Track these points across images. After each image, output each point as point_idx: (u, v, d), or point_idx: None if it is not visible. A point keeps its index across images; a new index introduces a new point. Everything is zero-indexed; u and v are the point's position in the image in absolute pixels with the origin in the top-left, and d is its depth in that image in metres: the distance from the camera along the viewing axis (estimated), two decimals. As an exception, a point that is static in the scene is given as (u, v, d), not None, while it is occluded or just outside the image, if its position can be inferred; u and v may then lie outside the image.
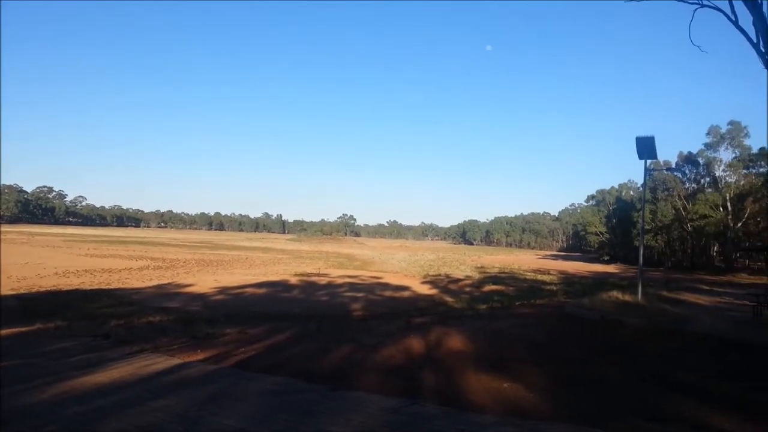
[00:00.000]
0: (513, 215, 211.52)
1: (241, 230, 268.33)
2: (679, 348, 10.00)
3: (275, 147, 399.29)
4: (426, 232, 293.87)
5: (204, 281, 30.15)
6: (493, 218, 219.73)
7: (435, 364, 8.31)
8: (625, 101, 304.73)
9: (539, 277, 43.89)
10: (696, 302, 19.91)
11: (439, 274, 42.91)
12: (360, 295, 26.12)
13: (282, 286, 29.76)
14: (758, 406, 6.21)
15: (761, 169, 58.13)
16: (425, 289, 30.05)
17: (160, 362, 8.40)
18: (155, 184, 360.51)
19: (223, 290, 26.03)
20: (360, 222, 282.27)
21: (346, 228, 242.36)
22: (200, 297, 23.05)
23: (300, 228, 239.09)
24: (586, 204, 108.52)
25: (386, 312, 18.32)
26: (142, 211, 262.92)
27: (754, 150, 58.65)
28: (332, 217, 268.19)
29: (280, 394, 6.57)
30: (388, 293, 27.50)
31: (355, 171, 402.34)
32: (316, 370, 7.78)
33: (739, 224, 59.91)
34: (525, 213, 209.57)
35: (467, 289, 31.44)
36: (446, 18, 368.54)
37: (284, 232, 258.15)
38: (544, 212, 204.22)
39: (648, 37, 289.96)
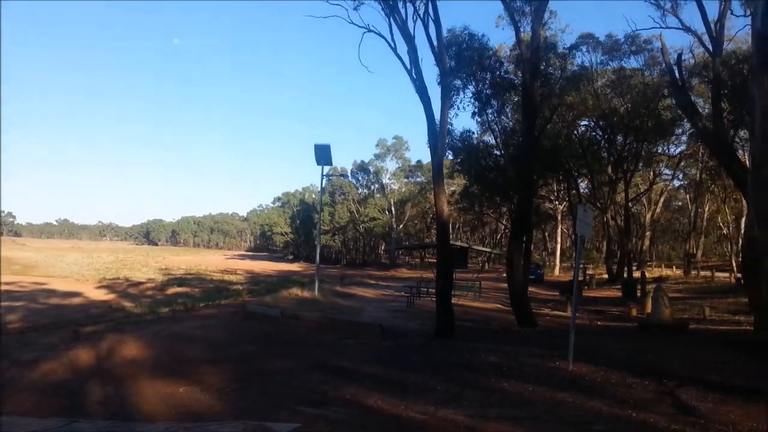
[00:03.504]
0: (201, 215, 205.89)
1: None
2: (345, 337, 11.18)
3: None
4: (104, 231, 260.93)
5: None
6: (180, 218, 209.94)
7: (106, 376, 7.79)
8: (310, 109, 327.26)
9: (226, 277, 44.43)
10: (364, 295, 22.91)
11: (118, 278, 40.71)
12: (18, 304, 22.96)
13: None
14: (406, 386, 7.09)
15: (418, 179, 71.69)
16: (100, 295, 28.17)
17: None
18: None
19: None
20: (21, 220, 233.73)
21: (3, 227, 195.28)
22: None
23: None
24: (272, 205, 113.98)
25: (50, 322, 16.02)
26: None
27: (413, 162, 72.20)
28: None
29: None
30: (54, 301, 25.02)
31: (11, 157, 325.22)
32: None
33: (401, 226, 72.41)
34: (214, 213, 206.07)
35: (149, 292, 30.73)
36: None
37: None
38: (233, 213, 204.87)
39: (331, 52, 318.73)
